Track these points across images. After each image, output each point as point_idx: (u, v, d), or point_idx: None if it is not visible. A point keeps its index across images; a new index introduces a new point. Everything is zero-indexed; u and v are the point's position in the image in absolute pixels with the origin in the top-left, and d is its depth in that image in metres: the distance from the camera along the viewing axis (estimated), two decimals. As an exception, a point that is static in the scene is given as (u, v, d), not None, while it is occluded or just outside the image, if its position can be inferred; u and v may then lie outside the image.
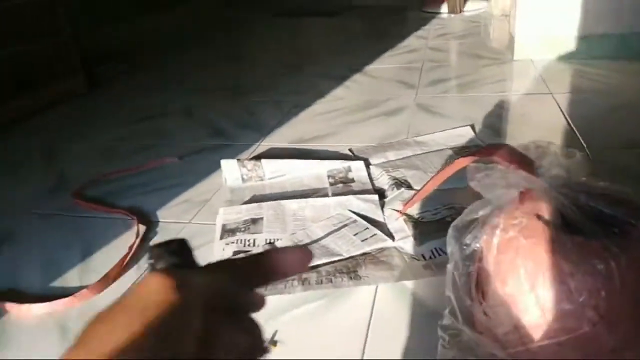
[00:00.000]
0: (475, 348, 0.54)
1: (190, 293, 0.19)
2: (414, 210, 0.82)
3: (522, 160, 0.48)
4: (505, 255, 0.48)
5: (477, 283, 0.52)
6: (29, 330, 0.69)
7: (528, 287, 0.47)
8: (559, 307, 0.45)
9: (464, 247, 0.51)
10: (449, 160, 0.99)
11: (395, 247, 0.76)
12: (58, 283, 0.78)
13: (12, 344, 0.67)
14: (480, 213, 0.51)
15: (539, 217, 0.48)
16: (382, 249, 0.76)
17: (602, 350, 0.45)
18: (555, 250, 0.46)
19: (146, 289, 0.19)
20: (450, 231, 0.54)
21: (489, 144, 0.51)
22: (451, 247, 0.52)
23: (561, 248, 0.46)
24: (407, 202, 0.55)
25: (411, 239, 0.76)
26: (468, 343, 0.55)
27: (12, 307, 0.72)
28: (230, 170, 1.01)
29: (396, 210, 0.54)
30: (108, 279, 0.76)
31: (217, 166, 1.04)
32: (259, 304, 0.22)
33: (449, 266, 0.53)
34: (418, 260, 0.72)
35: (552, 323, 0.45)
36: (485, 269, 0.50)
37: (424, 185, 0.54)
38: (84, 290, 0.73)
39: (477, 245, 0.50)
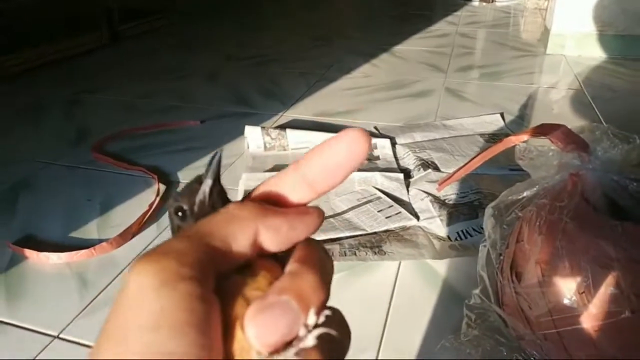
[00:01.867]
0: (502, 328, 0.53)
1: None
2: (440, 192, 0.80)
3: (578, 143, 0.46)
4: (548, 237, 0.46)
5: (512, 264, 0.50)
6: (47, 278, 0.68)
7: (569, 270, 0.45)
8: (600, 292, 0.43)
9: (505, 226, 0.49)
10: (484, 146, 0.96)
11: (419, 227, 0.74)
12: (77, 234, 0.78)
13: (31, 290, 0.66)
14: (526, 194, 0.49)
15: (587, 201, 0.46)
16: (406, 227, 0.74)
17: (637, 337, 0.44)
18: (601, 235, 0.44)
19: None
20: (489, 210, 0.52)
21: (544, 123, 0.49)
22: (490, 226, 0.51)
23: (609, 233, 0.44)
24: (448, 178, 0.53)
25: (437, 219, 0.74)
26: (494, 323, 0.54)
27: (31, 254, 0.72)
28: (254, 137, 0.99)
29: (438, 184, 0.52)
30: (128, 235, 0.75)
31: (239, 132, 1.02)
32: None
33: (485, 245, 0.52)
34: (444, 240, 0.71)
35: (591, 308, 0.44)
36: (524, 250, 0.48)
37: (468, 162, 0.52)
38: (104, 244, 0.73)
39: (519, 225, 0.48)
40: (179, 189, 0.89)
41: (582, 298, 0.44)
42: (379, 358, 0.54)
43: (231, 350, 0.14)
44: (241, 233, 0.15)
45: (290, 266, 0.16)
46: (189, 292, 0.13)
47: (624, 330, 0.43)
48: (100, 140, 1.05)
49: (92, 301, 0.63)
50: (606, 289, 0.43)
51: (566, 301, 0.45)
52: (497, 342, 0.52)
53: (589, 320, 0.44)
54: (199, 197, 0.18)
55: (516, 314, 0.50)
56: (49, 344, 0.57)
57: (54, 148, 1.05)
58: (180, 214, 0.18)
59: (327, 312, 0.15)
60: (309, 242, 0.17)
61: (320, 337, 0.14)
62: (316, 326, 0.15)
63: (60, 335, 0.58)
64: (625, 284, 0.42)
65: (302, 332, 0.14)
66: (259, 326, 0.14)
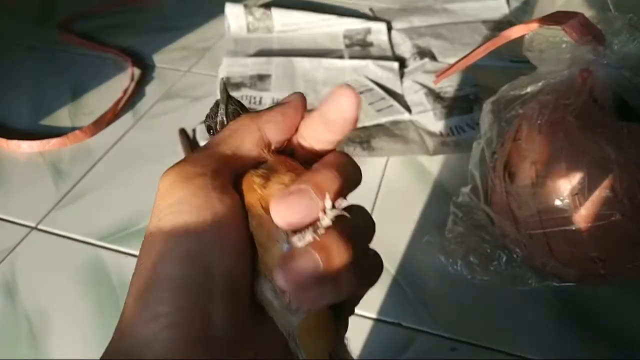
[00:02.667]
0: (487, 226, 0.53)
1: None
2: (437, 85, 0.76)
3: (595, 34, 0.41)
4: (547, 137, 0.43)
5: (506, 163, 0.48)
6: (20, 167, 0.65)
7: (565, 172, 0.43)
8: (594, 194, 0.42)
9: (503, 124, 0.46)
10: (486, 35, 0.89)
11: (411, 121, 0.71)
12: (47, 122, 0.73)
13: (4, 180, 0.63)
14: (529, 89, 0.45)
15: (595, 100, 0.43)
16: (397, 122, 0.71)
17: (624, 240, 0.44)
18: (604, 136, 0.42)
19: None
20: (487, 105, 0.49)
21: (558, 10, 0.43)
22: (487, 123, 0.48)
23: (612, 134, 0.41)
24: (446, 70, 0.48)
25: (430, 113, 0.71)
26: (480, 221, 0.54)
27: (0, 142, 0.68)
28: (235, 16, 0.90)
29: (436, 76, 0.47)
30: (102, 123, 0.71)
31: (219, 11, 0.92)
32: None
33: (479, 142, 0.49)
34: (435, 136, 0.68)
35: (582, 209, 0.43)
36: (521, 149, 0.46)
37: (469, 53, 0.47)
38: (77, 132, 0.68)
39: (518, 122, 0.45)
40: (156, 72, 0.82)
41: (574, 200, 0.43)
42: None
43: (257, 232, 0.17)
44: (245, 134, 0.19)
45: (314, 166, 0.18)
46: (203, 184, 0.17)
47: (611, 233, 0.42)
48: (66, 18, 0.95)
49: (68, 192, 0.61)
50: (601, 191, 0.41)
51: (558, 203, 0.44)
52: (481, 239, 0.52)
53: (578, 221, 0.43)
54: (219, 119, 0.22)
55: (504, 213, 0.49)
56: (27, 234, 0.56)
57: (15, 26, 0.95)
58: (211, 132, 0.22)
59: (345, 203, 0.17)
60: (337, 152, 0.19)
61: (338, 220, 0.16)
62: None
63: (39, 227, 0.57)
64: (621, 187, 0.41)
65: (320, 216, 0.17)
66: (282, 208, 0.16)
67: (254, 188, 0.18)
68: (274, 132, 0.19)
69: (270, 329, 0.18)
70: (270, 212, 0.16)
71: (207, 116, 0.22)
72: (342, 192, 0.17)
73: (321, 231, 0.16)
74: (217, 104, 0.22)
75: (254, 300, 0.18)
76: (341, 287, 0.16)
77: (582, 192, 0.42)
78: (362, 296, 0.19)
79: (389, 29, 0.90)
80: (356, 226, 0.17)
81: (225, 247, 0.17)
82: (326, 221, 0.16)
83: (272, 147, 0.19)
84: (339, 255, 0.16)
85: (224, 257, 0.16)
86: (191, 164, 0.17)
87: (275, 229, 0.17)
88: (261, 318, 0.18)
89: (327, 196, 0.17)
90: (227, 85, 0.23)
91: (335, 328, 0.18)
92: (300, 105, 0.19)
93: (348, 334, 0.19)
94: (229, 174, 0.18)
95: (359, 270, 0.17)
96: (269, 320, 0.18)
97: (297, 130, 0.20)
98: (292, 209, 0.16)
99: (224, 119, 0.21)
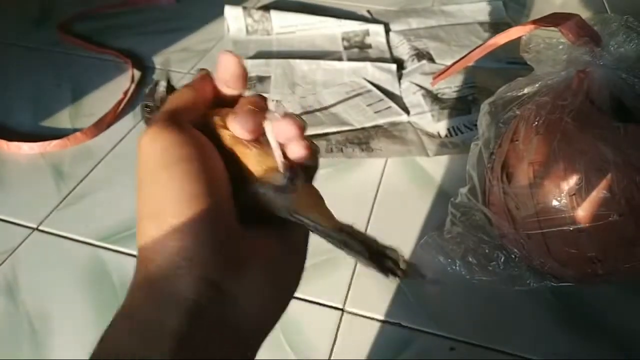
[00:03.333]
0: (486, 227, 0.53)
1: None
2: (434, 86, 0.76)
3: (591, 36, 0.41)
4: (545, 137, 0.44)
5: (503, 164, 0.49)
6: (21, 169, 0.65)
7: (562, 172, 0.43)
8: (591, 195, 0.42)
9: (500, 124, 0.46)
10: (483, 36, 0.90)
11: (409, 122, 0.71)
12: (48, 124, 0.73)
13: (5, 181, 0.64)
14: (526, 90, 0.45)
15: (592, 101, 0.43)
16: (395, 123, 0.71)
17: (621, 240, 0.44)
18: (601, 137, 0.42)
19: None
20: (485, 107, 0.49)
21: (555, 12, 0.44)
22: (485, 124, 0.48)
23: (610, 135, 0.42)
24: (443, 72, 0.49)
25: (428, 114, 0.71)
26: (479, 222, 0.54)
27: (1, 144, 0.68)
28: (235, 18, 0.91)
29: (433, 78, 0.48)
30: (102, 124, 0.71)
31: (218, 13, 0.93)
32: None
33: (477, 143, 0.50)
34: (433, 137, 0.69)
35: (579, 210, 0.43)
36: (518, 150, 0.46)
37: (466, 54, 0.48)
38: (78, 134, 0.69)
39: (515, 123, 0.46)
40: (155, 75, 0.83)
41: (571, 200, 0.43)
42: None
43: (235, 148, 0.22)
44: (185, 94, 0.23)
45: (241, 102, 0.23)
46: (175, 130, 0.20)
47: (608, 233, 0.43)
48: (66, 19, 0.95)
49: (70, 193, 0.61)
50: (598, 192, 0.42)
51: (555, 203, 0.44)
52: (480, 240, 0.52)
53: (576, 222, 0.44)
54: (159, 95, 0.26)
55: (502, 213, 0.50)
56: (29, 235, 0.56)
57: (15, 27, 0.95)
58: (147, 108, 0.26)
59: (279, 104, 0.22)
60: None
61: (285, 114, 0.21)
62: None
63: (40, 227, 0.57)
64: (618, 187, 0.41)
65: (267, 112, 0.22)
66: (236, 122, 0.21)
67: (217, 123, 0.22)
68: (208, 91, 0.24)
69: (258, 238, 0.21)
70: (230, 128, 0.21)
71: (146, 96, 0.26)
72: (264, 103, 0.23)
73: (275, 126, 0.21)
74: (155, 84, 0.26)
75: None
76: (310, 148, 0.21)
77: (579, 193, 0.43)
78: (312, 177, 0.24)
79: (387, 31, 0.91)
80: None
81: (212, 162, 0.20)
82: (276, 115, 0.21)
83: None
84: (300, 120, 0.21)
85: (216, 170, 0.20)
86: (155, 124, 0.20)
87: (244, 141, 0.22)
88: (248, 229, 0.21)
89: (270, 102, 0.22)
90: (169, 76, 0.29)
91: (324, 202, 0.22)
92: (206, 74, 0.24)
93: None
94: (191, 121, 0.22)
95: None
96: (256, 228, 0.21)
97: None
98: (242, 120, 0.21)
99: (165, 94, 0.26)
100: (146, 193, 0.19)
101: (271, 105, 0.22)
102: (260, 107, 0.22)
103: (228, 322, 0.18)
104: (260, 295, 0.19)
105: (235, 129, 0.21)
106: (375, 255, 0.21)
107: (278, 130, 0.21)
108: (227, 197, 0.20)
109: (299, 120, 0.21)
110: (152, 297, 0.18)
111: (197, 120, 0.22)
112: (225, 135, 0.22)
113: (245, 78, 0.23)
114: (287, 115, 0.21)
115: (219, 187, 0.20)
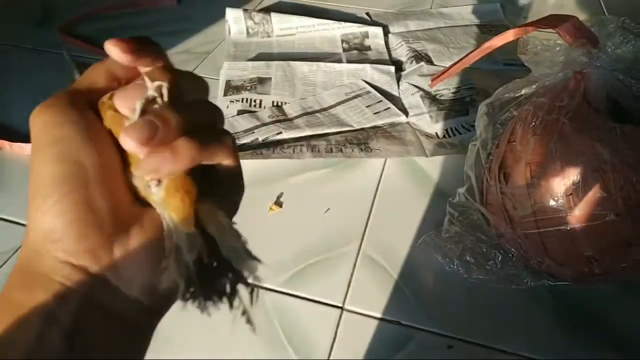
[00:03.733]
0: (483, 226, 0.54)
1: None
2: (432, 88, 0.77)
3: (588, 37, 0.42)
4: (542, 138, 0.44)
5: (501, 164, 0.49)
6: (23, 169, 0.66)
7: (559, 172, 0.44)
8: (588, 195, 0.43)
9: (498, 125, 0.47)
10: (481, 38, 0.91)
11: (408, 123, 0.72)
12: (49, 123, 0.74)
13: (8, 181, 0.64)
14: (524, 91, 0.46)
15: (589, 102, 0.44)
16: (394, 124, 0.72)
17: (618, 240, 0.45)
18: (598, 137, 0.43)
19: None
20: (482, 108, 0.50)
21: (552, 14, 0.44)
22: (482, 125, 0.49)
23: (606, 135, 0.42)
24: (441, 74, 0.49)
25: (426, 116, 0.72)
26: (477, 221, 0.55)
27: (3, 144, 0.68)
28: (235, 21, 0.91)
29: (431, 80, 0.49)
30: (103, 125, 0.71)
31: (219, 15, 0.94)
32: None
33: (475, 144, 0.50)
34: (432, 137, 0.69)
35: (576, 210, 0.43)
36: (516, 151, 0.47)
37: (464, 56, 0.48)
38: (78, 133, 0.69)
39: (512, 124, 0.46)
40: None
41: (568, 200, 0.44)
42: (362, 249, 0.55)
43: (110, 128, 0.21)
44: (93, 72, 0.22)
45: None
46: (60, 109, 0.20)
47: (605, 233, 0.43)
48: (68, 21, 0.96)
49: (71, 193, 0.62)
50: (595, 192, 0.42)
51: (552, 203, 0.45)
52: (477, 239, 0.53)
53: (573, 221, 0.44)
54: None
55: (499, 213, 0.50)
56: (31, 235, 0.57)
57: (17, 29, 0.96)
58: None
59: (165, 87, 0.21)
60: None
61: (170, 101, 0.20)
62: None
63: (42, 227, 0.57)
64: (615, 187, 0.42)
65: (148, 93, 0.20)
66: (118, 98, 0.21)
67: (104, 103, 0.21)
68: (120, 70, 0.23)
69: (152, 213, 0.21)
70: (114, 103, 0.21)
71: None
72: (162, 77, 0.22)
73: (155, 106, 0.20)
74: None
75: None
76: (181, 154, 0.19)
77: (576, 193, 0.43)
78: (221, 165, 0.22)
79: (386, 33, 0.91)
80: (189, 105, 0.22)
81: (91, 144, 0.20)
82: (150, 92, 0.20)
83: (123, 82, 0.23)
84: (173, 117, 0.19)
85: (91, 151, 0.20)
86: (50, 101, 0.21)
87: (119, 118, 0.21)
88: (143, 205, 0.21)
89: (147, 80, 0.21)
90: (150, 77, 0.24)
91: (199, 199, 0.21)
92: (126, 43, 0.24)
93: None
94: (85, 102, 0.21)
95: (199, 141, 0.20)
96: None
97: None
98: (123, 96, 0.21)
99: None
100: (30, 175, 0.20)
101: (148, 84, 0.20)
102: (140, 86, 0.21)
103: (101, 303, 0.19)
104: (139, 276, 0.20)
105: (116, 102, 0.21)
106: (212, 273, 0.20)
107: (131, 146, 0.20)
108: (108, 178, 0.20)
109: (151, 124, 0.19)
110: (23, 280, 0.19)
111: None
112: (107, 116, 0.21)
113: (136, 60, 0.21)
114: (170, 107, 0.20)
115: (97, 168, 0.20)
